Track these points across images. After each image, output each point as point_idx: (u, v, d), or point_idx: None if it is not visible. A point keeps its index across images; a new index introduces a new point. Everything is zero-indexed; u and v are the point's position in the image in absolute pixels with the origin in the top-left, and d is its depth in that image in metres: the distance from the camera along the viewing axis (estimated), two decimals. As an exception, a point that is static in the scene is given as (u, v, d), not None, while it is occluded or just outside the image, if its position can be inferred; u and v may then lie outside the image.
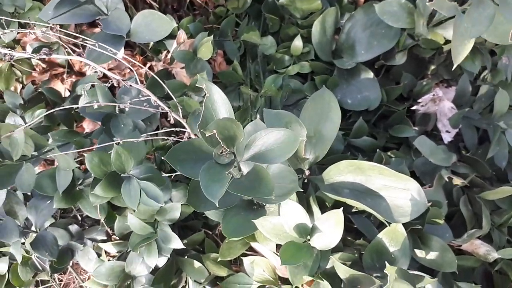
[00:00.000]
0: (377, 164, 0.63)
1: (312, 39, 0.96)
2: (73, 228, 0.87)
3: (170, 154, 0.50)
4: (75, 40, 1.09)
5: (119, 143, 0.64)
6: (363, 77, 0.97)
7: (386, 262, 0.53)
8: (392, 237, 0.62)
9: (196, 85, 0.57)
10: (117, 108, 0.68)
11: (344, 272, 0.60)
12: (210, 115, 0.52)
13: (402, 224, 0.63)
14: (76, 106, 0.68)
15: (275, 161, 0.54)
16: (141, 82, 1.05)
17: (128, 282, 0.77)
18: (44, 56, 0.57)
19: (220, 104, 0.52)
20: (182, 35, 0.95)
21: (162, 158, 0.54)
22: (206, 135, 0.46)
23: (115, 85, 0.71)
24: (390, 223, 0.62)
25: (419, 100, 0.92)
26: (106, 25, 0.75)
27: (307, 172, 0.69)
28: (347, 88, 0.97)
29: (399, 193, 0.63)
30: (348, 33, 0.96)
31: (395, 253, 0.61)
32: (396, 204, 0.63)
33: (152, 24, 0.80)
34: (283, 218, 0.63)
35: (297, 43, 0.96)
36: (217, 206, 0.47)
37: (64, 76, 1.11)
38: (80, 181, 0.79)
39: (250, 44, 1.02)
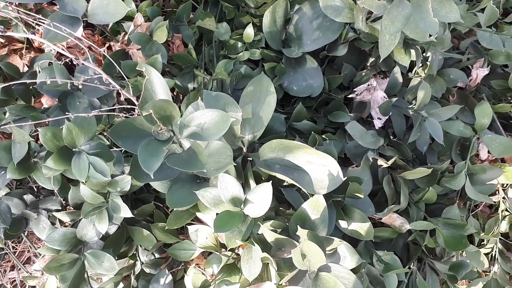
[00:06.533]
0: (302, 143, 0.71)
1: (263, 28, 1.03)
2: (28, 198, 0.92)
3: (113, 131, 0.56)
4: (34, 16, 1.12)
5: (69, 119, 0.69)
6: (309, 66, 1.04)
7: (298, 226, 0.62)
8: (314, 207, 0.71)
9: (137, 68, 0.62)
10: (69, 85, 0.72)
11: (270, 236, 0.69)
12: (150, 95, 0.58)
13: (325, 197, 0.72)
14: (33, 81, 0.71)
15: (210, 138, 0.61)
16: (100, 61, 1.09)
17: (80, 247, 0.83)
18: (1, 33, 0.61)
19: (159, 86, 0.58)
20: (139, 18, 1.00)
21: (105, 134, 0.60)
22: (144, 114, 0.52)
23: (72, 63, 0.76)
24: (313, 195, 0.71)
25: (355, 90, 1.01)
26: (62, 6, 0.78)
27: (245, 150, 0.77)
28: (294, 75, 1.05)
29: (320, 168, 0.71)
30: (296, 24, 1.03)
31: (316, 221, 0.71)
32: (317, 178, 0.72)
33: (108, 6, 0.84)
34: (220, 190, 0.70)
35: (249, 31, 1.02)
36: (152, 178, 0.53)
37: (23, 51, 1.13)
38: (36, 153, 0.83)
39: (206, 29, 1.08)
